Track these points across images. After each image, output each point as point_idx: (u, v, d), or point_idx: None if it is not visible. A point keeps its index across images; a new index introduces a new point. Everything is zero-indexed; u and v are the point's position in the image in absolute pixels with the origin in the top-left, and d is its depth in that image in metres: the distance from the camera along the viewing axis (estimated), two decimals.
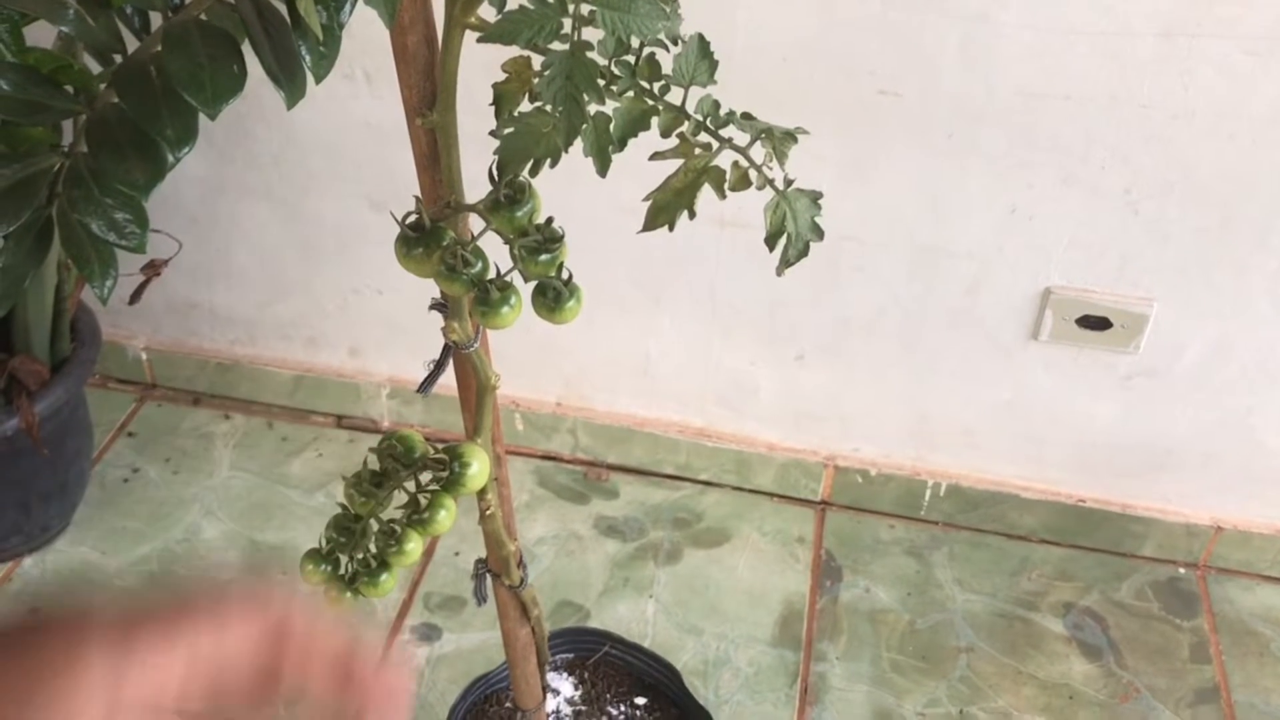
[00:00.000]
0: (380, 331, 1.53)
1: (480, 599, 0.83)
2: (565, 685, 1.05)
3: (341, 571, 0.66)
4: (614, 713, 1.03)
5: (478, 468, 0.64)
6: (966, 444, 1.43)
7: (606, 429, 1.52)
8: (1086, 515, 1.44)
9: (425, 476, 0.64)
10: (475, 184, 0.58)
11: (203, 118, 0.94)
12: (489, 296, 0.56)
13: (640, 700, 1.04)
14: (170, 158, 0.97)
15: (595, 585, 1.41)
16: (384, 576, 0.65)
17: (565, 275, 0.57)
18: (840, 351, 1.39)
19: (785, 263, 0.53)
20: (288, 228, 1.45)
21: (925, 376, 1.39)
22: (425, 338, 0.62)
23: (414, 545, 0.64)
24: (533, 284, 0.57)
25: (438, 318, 0.66)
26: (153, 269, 1.35)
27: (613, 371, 1.49)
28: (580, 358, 1.49)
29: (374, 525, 0.65)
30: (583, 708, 1.04)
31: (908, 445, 1.46)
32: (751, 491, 1.53)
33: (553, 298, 0.57)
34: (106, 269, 1.07)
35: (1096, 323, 1.29)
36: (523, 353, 1.49)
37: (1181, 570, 1.45)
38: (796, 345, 1.40)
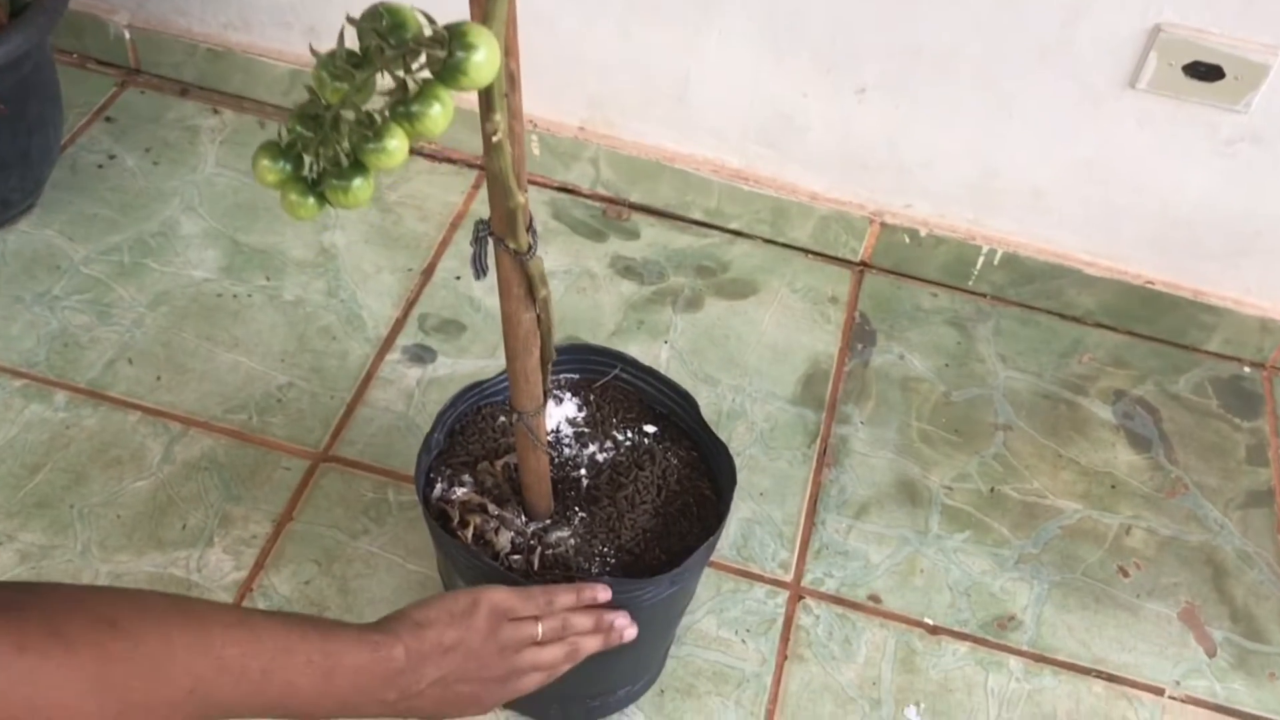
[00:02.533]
0: None
1: (480, 270, 0.70)
2: (569, 406, 0.94)
3: (305, 172, 0.52)
4: (619, 438, 0.92)
5: (485, 55, 0.49)
6: (1032, 207, 1.29)
7: (632, 162, 1.37)
8: (1152, 299, 1.31)
9: (417, 63, 0.50)
10: None
11: None
12: None
13: (650, 428, 0.93)
14: None
15: (607, 325, 1.29)
16: (357, 181, 0.51)
17: None
18: (907, 88, 1.23)
19: None
20: None
21: (999, 124, 1.23)
22: None
23: (397, 144, 0.50)
24: None
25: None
26: None
27: (645, 94, 1.33)
28: (610, 74, 1.32)
29: (349, 117, 0.51)
30: (586, 430, 0.93)
31: (966, 204, 1.31)
32: (784, 246, 1.39)
33: None
34: None
35: (1206, 71, 1.12)
36: (545, 65, 1.32)
37: (1247, 369, 1.32)
38: (858, 77, 1.24)
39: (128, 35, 1.44)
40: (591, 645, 0.78)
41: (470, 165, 1.43)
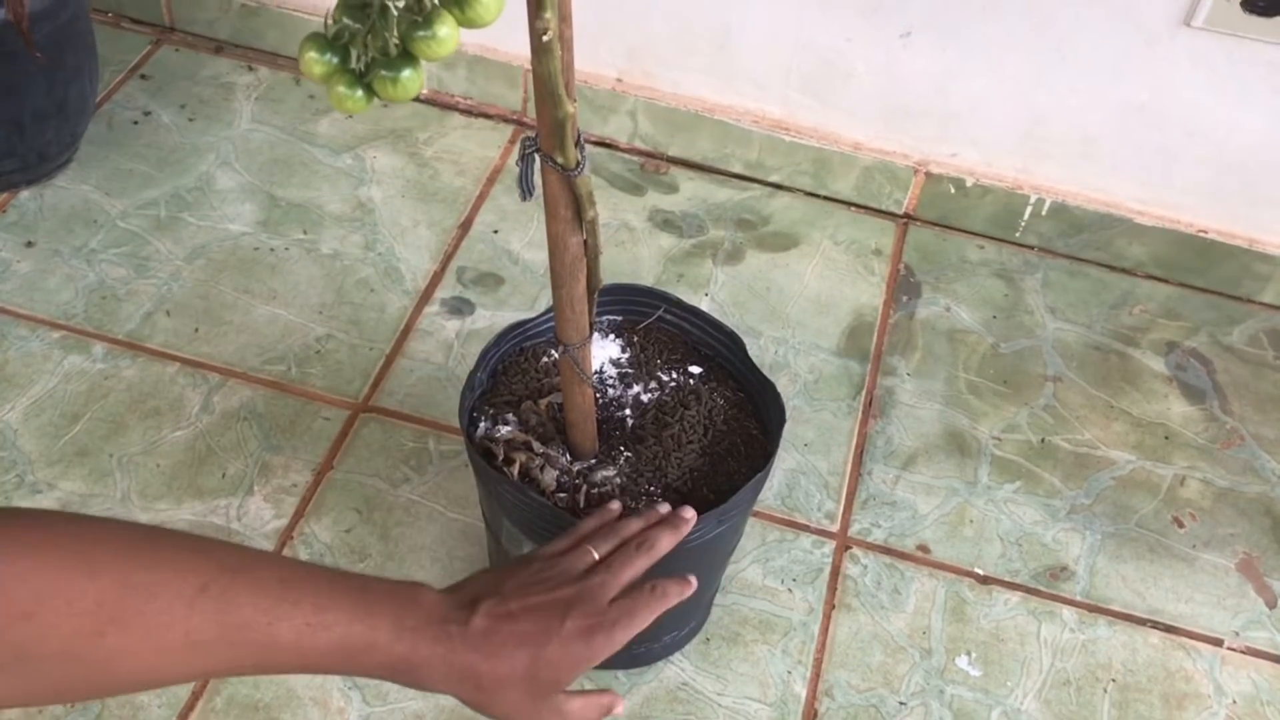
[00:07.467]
0: None
1: (526, 190, 0.68)
2: (612, 347, 0.92)
3: (353, 64, 0.50)
4: (664, 378, 0.90)
5: None
6: (1082, 154, 1.25)
7: (671, 114, 1.35)
8: (1206, 249, 1.27)
9: None
10: None
11: None
12: None
13: (695, 369, 0.91)
14: None
15: (646, 278, 1.27)
16: (406, 72, 0.50)
17: None
18: (955, 30, 1.20)
19: None
20: None
21: (1050, 68, 1.20)
22: None
23: (448, 31, 0.48)
24: None
25: None
26: None
27: (685, 43, 1.31)
28: (649, 22, 1.30)
29: (397, 5, 0.49)
30: (630, 370, 0.91)
31: (1014, 153, 1.28)
32: (826, 199, 1.37)
33: None
34: None
35: (1266, 6, 1.09)
36: (581, 14, 1.30)
37: None
38: (905, 19, 1.21)
39: None
40: (666, 542, 0.69)
41: (507, 120, 1.42)
